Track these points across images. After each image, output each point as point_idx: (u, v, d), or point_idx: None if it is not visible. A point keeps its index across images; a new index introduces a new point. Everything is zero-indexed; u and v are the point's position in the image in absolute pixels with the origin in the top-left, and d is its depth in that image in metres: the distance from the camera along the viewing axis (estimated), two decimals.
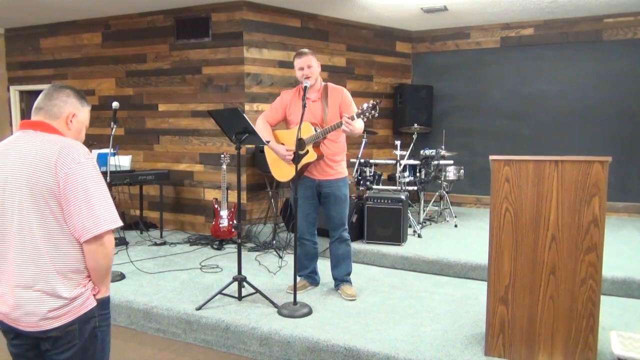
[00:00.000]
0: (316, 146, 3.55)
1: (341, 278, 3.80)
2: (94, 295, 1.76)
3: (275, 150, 3.66)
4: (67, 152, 1.66)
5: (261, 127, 3.69)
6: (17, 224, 1.66)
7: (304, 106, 3.36)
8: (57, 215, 1.65)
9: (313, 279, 3.95)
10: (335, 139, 3.61)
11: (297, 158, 3.44)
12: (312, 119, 3.55)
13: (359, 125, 3.41)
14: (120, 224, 1.74)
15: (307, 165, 3.58)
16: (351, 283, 3.81)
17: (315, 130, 3.48)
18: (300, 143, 3.43)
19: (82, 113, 1.85)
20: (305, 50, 3.62)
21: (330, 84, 3.68)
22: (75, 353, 1.72)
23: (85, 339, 1.74)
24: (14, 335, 1.73)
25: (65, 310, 1.68)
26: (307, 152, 3.51)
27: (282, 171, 3.73)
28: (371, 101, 3.32)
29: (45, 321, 1.66)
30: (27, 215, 1.65)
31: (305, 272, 3.91)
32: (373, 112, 3.30)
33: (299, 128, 3.35)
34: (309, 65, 3.52)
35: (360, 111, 3.31)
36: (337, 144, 3.63)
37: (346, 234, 3.74)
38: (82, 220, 1.64)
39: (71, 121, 1.81)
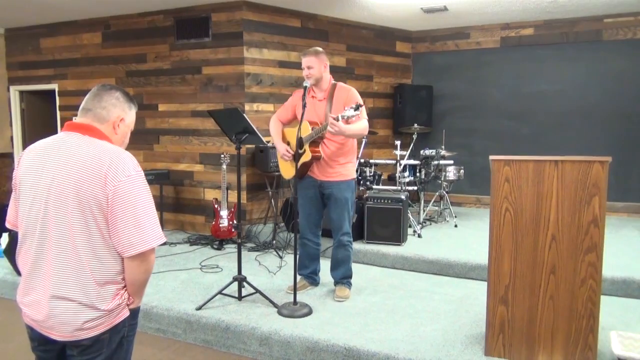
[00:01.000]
0: (314, 146, 3.51)
1: (336, 280, 3.79)
2: (128, 305, 1.74)
3: (277, 148, 3.71)
4: (118, 164, 1.61)
5: (272, 125, 3.77)
6: (59, 231, 1.61)
7: (303, 106, 3.36)
8: (101, 227, 1.61)
9: (313, 279, 3.94)
10: (337, 140, 3.52)
11: (296, 157, 3.43)
12: (315, 118, 3.53)
13: (355, 127, 3.35)
14: (165, 240, 1.71)
15: (308, 164, 3.57)
16: (348, 286, 3.78)
17: (312, 130, 3.46)
18: (300, 142, 3.42)
19: (130, 117, 1.82)
20: (311, 49, 3.54)
21: (340, 84, 3.62)
22: None
23: (113, 349, 1.72)
24: (43, 341, 1.70)
25: (100, 321, 1.65)
26: (304, 151, 3.50)
27: (287, 169, 3.77)
28: (356, 102, 3.24)
29: (81, 332, 1.63)
30: (71, 224, 1.60)
31: (306, 272, 3.90)
32: (356, 111, 3.19)
33: (299, 127, 3.35)
34: (309, 67, 3.49)
35: (343, 113, 3.21)
36: (339, 145, 3.54)
37: (345, 239, 3.67)
38: (128, 236, 1.60)
39: (118, 125, 1.76)
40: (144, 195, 1.65)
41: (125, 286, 1.71)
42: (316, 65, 3.49)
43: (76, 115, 1.80)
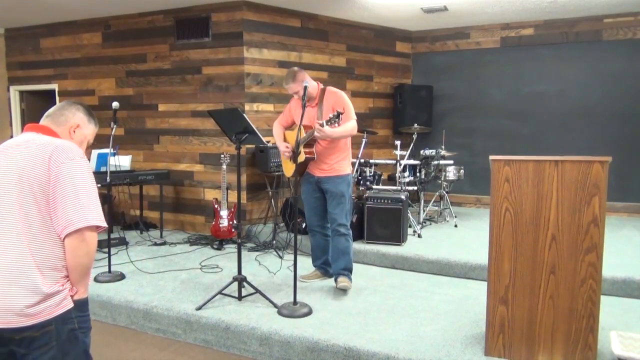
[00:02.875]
0: (308, 147, 3.72)
1: (338, 272, 3.86)
2: (72, 296, 1.73)
3: (278, 145, 3.94)
4: (62, 149, 1.70)
5: (275, 129, 4.02)
6: (4, 216, 1.66)
7: (303, 106, 3.44)
8: (42, 210, 1.65)
9: (326, 270, 4.10)
10: (328, 141, 3.72)
11: (295, 158, 3.60)
12: (307, 122, 3.70)
13: (340, 130, 3.55)
14: (105, 226, 1.73)
15: (304, 164, 3.79)
16: (349, 278, 3.86)
17: (306, 134, 3.64)
18: (297, 144, 3.52)
19: (88, 128, 1.93)
20: (288, 76, 3.69)
21: (328, 88, 3.80)
22: (53, 356, 1.68)
23: (63, 341, 1.70)
24: None
25: (42, 307, 1.64)
26: (300, 152, 3.65)
27: (287, 167, 3.99)
28: (336, 110, 3.42)
29: (22, 317, 1.62)
30: (14, 209, 1.65)
31: (318, 262, 4.10)
32: (337, 120, 3.40)
33: (299, 129, 3.43)
34: (296, 92, 3.71)
35: (328, 119, 3.43)
36: (329, 144, 3.74)
37: (342, 229, 3.80)
38: (67, 213, 1.64)
39: (74, 131, 1.88)
40: (86, 178, 1.71)
41: (67, 276, 1.72)
42: (299, 87, 3.64)
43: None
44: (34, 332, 1.65)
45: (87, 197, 1.68)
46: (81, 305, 1.77)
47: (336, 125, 3.44)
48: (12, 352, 1.69)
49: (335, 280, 3.85)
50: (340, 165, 3.80)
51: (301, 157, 3.67)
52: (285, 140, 3.96)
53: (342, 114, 3.39)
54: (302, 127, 3.47)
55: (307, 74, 3.72)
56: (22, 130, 1.83)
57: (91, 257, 1.73)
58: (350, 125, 3.63)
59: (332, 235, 3.87)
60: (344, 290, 3.77)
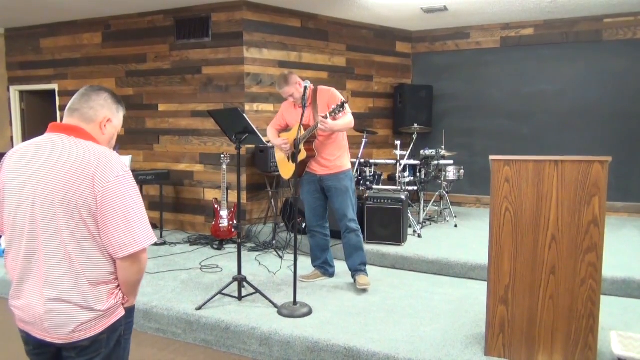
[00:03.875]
0: (308, 145, 3.72)
1: (355, 268, 3.91)
2: (123, 304, 1.73)
3: (274, 143, 3.95)
4: (106, 165, 1.59)
5: (269, 133, 4.02)
6: (48, 234, 1.59)
7: (303, 106, 3.48)
8: (90, 228, 1.59)
9: (325, 269, 4.12)
10: (327, 137, 3.73)
11: (294, 157, 3.61)
12: (304, 121, 3.70)
13: (341, 122, 3.58)
14: (155, 239, 1.70)
15: (305, 162, 3.78)
16: (366, 273, 3.92)
17: (305, 131, 3.65)
18: (296, 143, 3.55)
19: (117, 119, 1.78)
20: (280, 80, 3.72)
21: (320, 87, 3.85)
22: None
23: (111, 348, 1.70)
24: (38, 345, 1.68)
25: (96, 322, 1.64)
26: (300, 151, 3.66)
27: (286, 170, 3.97)
28: (340, 99, 3.49)
29: (77, 333, 1.62)
30: (60, 226, 1.57)
31: (318, 262, 4.12)
32: (342, 109, 3.44)
33: (298, 129, 3.45)
34: (290, 94, 3.73)
35: (331, 110, 3.45)
36: (329, 141, 3.76)
37: (353, 225, 3.85)
38: (119, 238, 1.58)
39: (105, 126, 1.73)
40: (133, 195, 1.62)
41: (119, 285, 1.70)
42: (293, 89, 3.70)
43: None
44: (88, 342, 1.65)
45: (137, 216, 1.61)
46: (129, 312, 1.78)
47: (340, 115, 3.47)
48: (59, 352, 1.69)
49: (354, 279, 3.90)
50: (341, 161, 3.83)
51: (302, 155, 3.68)
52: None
53: (346, 102, 3.43)
54: (302, 127, 3.48)
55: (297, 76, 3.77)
56: (46, 130, 1.68)
57: (142, 273, 1.71)
58: (348, 118, 3.65)
59: (343, 233, 3.88)
60: (363, 290, 3.81)
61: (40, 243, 1.60)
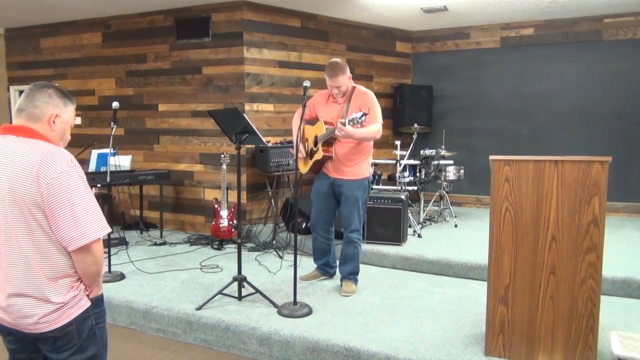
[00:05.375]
0: (327, 145, 3.61)
1: (344, 275, 3.88)
2: (87, 295, 1.75)
3: (295, 139, 3.74)
4: (49, 161, 1.61)
5: (294, 123, 3.85)
6: (3, 232, 1.64)
7: (303, 106, 3.43)
8: (42, 224, 1.62)
9: (325, 270, 4.10)
10: (350, 142, 3.61)
11: (311, 154, 3.57)
12: (331, 118, 3.61)
13: (364, 131, 3.43)
14: (108, 230, 1.71)
15: (321, 162, 3.70)
16: (354, 281, 3.87)
17: (325, 130, 3.56)
18: (315, 140, 3.53)
19: (66, 113, 1.77)
20: (336, 68, 3.54)
21: (358, 87, 3.72)
22: (74, 352, 1.73)
23: (84, 339, 1.74)
24: (10, 333, 1.74)
25: (59, 314, 1.68)
26: (317, 150, 3.61)
27: (303, 163, 3.88)
28: (362, 110, 3.29)
29: (42, 325, 1.66)
30: (12, 224, 1.62)
31: (319, 263, 4.10)
32: (361, 120, 3.26)
33: (301, 129, 3.43)
34: (339, 86, 3.58)
35: (350, 119, 3.29)
36: (351, 145, 3.63)
37: (354, 236, 3.77)
38: (68, 232, 1.61)
39: (54, 122, 1.73)
40: (79, 189, 1.64)
41: (80, 278, 1.73)
42: (344, 83, 3.58)
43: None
44: (56, 333, 1.69)
45: (84, 210, 1.63)
46: (97, 302, 1.79)
47: (359, 126, 3.29)
48: (38, 349, 1.75)
49: (340, 283, 3.87)
50: (360, 168, 3.70)
51: (319, 155, 3.61)
52: (304, 134, 3.81)
53: (366, 114, 3.26)
54: (322, 123, 3.45)
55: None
56: None
57: (99, 264, 1.73)
58: (374, 127, 3.52)
59: (343, 241, 3.82)
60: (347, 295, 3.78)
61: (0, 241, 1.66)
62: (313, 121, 3.81)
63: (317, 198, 3.83)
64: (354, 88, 3.69)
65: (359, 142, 3.61)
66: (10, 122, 1.82)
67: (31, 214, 1.61)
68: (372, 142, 3.75)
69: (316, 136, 3.48)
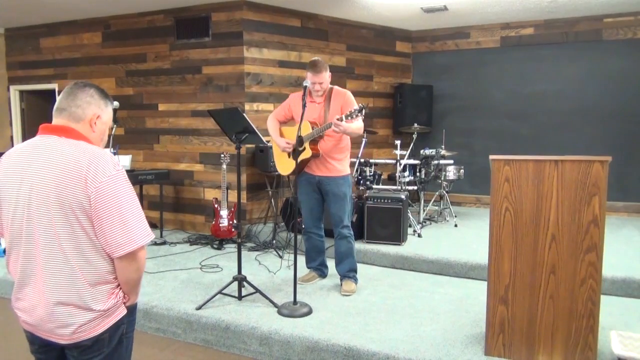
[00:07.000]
0: (313, 144, 3.67)
1: (343, 274, 3.88)
2: (124, 303, 1.72)
3: (277, 143, 3.84)
4: (97, 165, 1.56)
5: (270, 123, 3.92)
6: (45, 236, 1.58)
7: (303, 106, 3.42)
8: (86, 229, 1.57)
9: (322, 271, 4.11)
10: (335, 138, 3.69)
11: (296, 154, 3.53)
12: (313, 118, 3.67)
13: (354, 126, 3.52)
14: (153, 236, 1.68)
15: (306, 161, 3.72)
16: (355, 280, 3.88)
17: (312, 129, 3.60)
18: (299, 140, 3.52)
19: (106, 114, 1.74)
20: (319, 65, 3.63)
21: (335, 87, 3.80)
22: (102, 359, 1.69)
23: (113, 346, 1.71)
24: (43, 344, 1.69)
25: (97, 322, 1.64)
26: (304, 149, 3.63)
27: (284, 165, 3.90)
28: (360, 104, 3.41)
29: (80, 334, 1.62)
30: (56, 228, 1.57)
31: (314, 264, 4.09)
32: (360, 114, 3.38)
33: (299, 126, 3.43)
34: (320, 82, 3.65)
35: (348, 113, 3.39)
36: (336, 142, 3.71)
37: (346, 231, 3.81)
38: (116, 237, 1.57)
39: (95, 123, 1.69)
40: (127, 193, 1.60)
41: (119, 284, 1.69)
42: (326, 80, 3.67)
43: None
44: (90, 342, 1.65)
45: (132, 215, 1.59)
46: (131, 310, 1.78)
47: (355, 119, 3.42)
48: (62, 351, 1.70)
49: (340, 284, 3.87)
50: (342, 165, 3.80)
51: (307, 153, 3.64)
52: (282, 136, 3.88)
53: (365, 108, 3.38)
54: (307, 123, 3.44)
55: None
56: (37, 132, 1.66)
57: (141, 272, 1.70)
58: (359, 123, 3.60)
59: (335, 238, 3.85)
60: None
61: (38, 246, 1.59)
62: (290, 123, 3.88)
63: (306, 199, 3.86)
64: (331, 89, 3.77)
65: (341, 139, 3.70)
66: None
67: (76, 217, 1.56)
68: (349, 140, 3.83)
69: (300, 136, 3.48)
